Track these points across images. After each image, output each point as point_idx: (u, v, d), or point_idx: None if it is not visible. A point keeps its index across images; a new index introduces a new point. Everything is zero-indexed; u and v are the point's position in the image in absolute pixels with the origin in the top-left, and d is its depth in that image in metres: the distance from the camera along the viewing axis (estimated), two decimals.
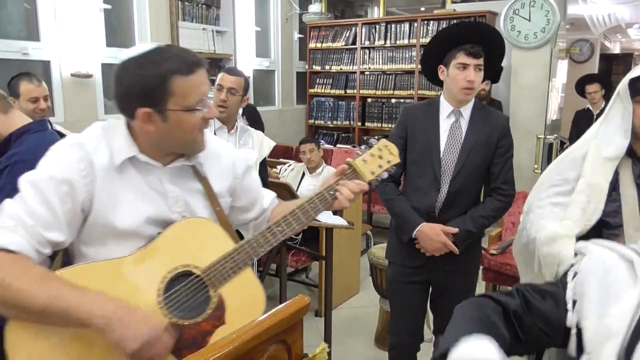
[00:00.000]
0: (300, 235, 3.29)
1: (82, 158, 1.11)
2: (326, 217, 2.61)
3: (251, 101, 5.28)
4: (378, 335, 3.09)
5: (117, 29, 4.49)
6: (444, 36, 1.95)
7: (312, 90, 6.56)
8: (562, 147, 4.96)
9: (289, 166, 4.12)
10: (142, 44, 1.13)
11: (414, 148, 2.00)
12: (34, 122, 1.81)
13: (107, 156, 1.13)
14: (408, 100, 5.82)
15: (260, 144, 2.61)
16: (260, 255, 1.23)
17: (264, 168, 2.67)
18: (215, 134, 2.42)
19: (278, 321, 1.03)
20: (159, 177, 1.19)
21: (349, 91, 6.27)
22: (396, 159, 1.37)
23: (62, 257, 1.24)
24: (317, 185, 3.72)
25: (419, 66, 4.92)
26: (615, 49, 11.23)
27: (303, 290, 3.83)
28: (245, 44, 5.69)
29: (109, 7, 4.27)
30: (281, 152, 5.21)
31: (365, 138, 6.13)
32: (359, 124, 6.20)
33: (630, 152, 1.42)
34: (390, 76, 5.97)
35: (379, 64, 6.00)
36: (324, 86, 6.47)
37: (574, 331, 1.03)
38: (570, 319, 1.03)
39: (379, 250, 2.87)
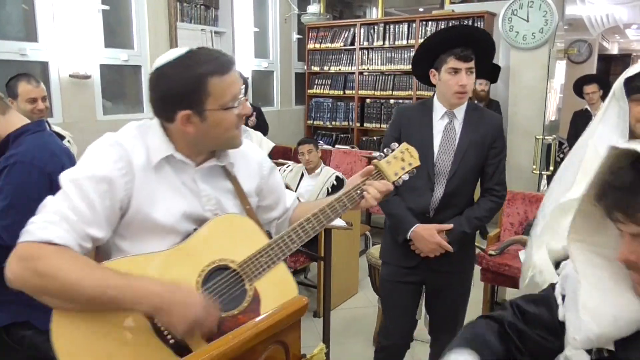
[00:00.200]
0: None
1: (121, 157, 1.14)
2: None
3: (250, 102, 5.27)
4: (376, 336, 3.09)
5: (115, 29, 4.48)
6: (433, 42, 1.94)
7: (310, 91, 6.56)
8: (561, 147, 4.97)
9: (287, 167, 4.10)
10: (174, 49, 1.17)
11: None
12: (32, 123, 1.80)
13: (144, 155, 1.17)
14: (407, 101, 5.82)
15: (259, 145, 2.61)
16: (293, 250, 1.28)
17: None
18: None
19: (276, 322, 1.04)
20: (192, 176, 1.23)
21: (347, 92, 6.28)
22: (417, 162, 1.43)
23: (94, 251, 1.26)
24: (316, 186, 3.75)
25: None
26: (614, 49, 11.23)
27: (302, 290, 3.81)
28: (244, 45, 5.70)
29: (107, 7, 4.27)
30: (280, 153, 5.21)
31: (364, 139, 6.17)
32: (358, 124, 6.21)
33: None
34: (389, 77, 5.98)
35: (377, 64, 6.00)
36: (322, 87, 6.47)
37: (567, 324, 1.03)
38: (562, 313, 1.02)
39: (378, 250, 2.86)
